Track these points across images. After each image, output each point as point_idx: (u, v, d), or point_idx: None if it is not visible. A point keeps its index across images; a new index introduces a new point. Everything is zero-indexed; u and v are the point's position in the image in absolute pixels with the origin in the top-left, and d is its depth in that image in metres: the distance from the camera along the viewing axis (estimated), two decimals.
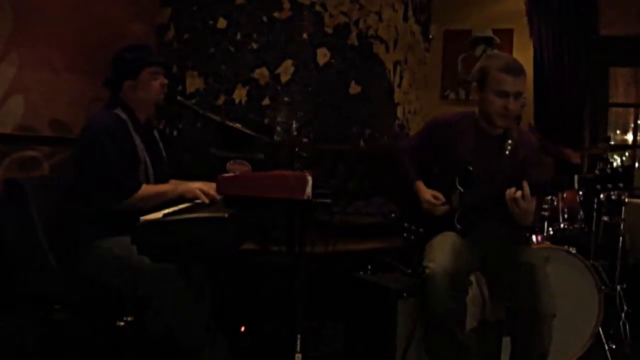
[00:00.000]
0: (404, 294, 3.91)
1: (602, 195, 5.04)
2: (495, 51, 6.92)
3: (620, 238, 4.94)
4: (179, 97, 4.07)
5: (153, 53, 3.87)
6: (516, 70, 3.68)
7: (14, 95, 4.62)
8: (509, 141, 3.79)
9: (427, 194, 3.92)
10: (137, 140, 3.63)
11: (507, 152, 3.78)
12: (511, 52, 7.01)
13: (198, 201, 3.45)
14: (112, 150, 3.45)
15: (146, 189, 3.54)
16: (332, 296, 4.43)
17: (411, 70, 6.55)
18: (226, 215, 2.93)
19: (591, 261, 4.65)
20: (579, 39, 6.69)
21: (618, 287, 4.82)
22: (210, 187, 3.47)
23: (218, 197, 3.38)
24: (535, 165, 3.83)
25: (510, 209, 3.53)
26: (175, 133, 5.76)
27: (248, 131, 3.76)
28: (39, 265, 3.52)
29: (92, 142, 3.49)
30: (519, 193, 3.47)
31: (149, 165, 3.68)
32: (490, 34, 7.13)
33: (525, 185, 3.47)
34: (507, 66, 3.68)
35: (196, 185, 3.52)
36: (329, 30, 5.71)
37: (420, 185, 3.97)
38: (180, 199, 3.48)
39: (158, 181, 3.73)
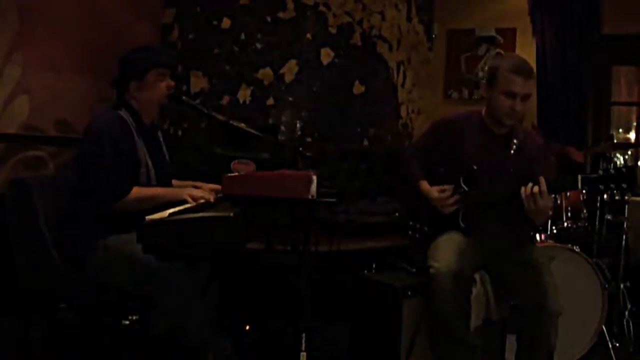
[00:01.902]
0: (409, 293, 3.92)
1: (605, 194, 5.05)
2: (498, 50, 6.95)
3: (624, 236, 4.94)
4: (183, 97, 4.08)
5: (161, 54, 3.86)
6: (526, 72, 3.68)
7: (19, 95, 4.63)
8: (515, 140, 3.80)
9: (433, 192, 3.91)
10: (139, 142, 3.63)
11: (512, 152, 3.78)
12: (514, 51, 7.00)
13: (202, 200, 3.46)
14: (109, 152, 3.45)
15: (139, 191, 3.53)
16: (337, 295, 4.44)
17: (414, 69, 6.57)
18: (231, 214, 2.94)
19: (595, 259, 4.65)
20: (582, 37, 6.69)
21: (622, 286, 4.82)
22: (201, 191, 3.50)
23: (211, 199, 3.40)
24: (541, 164, 3.83)
25: (526, 207, 3.49)
26: (180, 133, 5.78)
27: (252, 131, 3.77)
28: (43, 264, 3.52)
29: (91, 142, 3.50)
30: (536, 189, 3.46)
31: (151, 167, 3.67)
32: (493, 33, 7.14)
33: (542, 181, 3.46)
34: (517, 67, 3.68)
35: (185, 191, 3.54)
36: (333, 30, 5.73)
37: (425, 185, 3.97)
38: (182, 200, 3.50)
39: (160, 183, 3.73)
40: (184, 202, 3.46)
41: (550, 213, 3.78)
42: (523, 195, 3.48)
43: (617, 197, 5.08)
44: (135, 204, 3.44)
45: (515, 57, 4.06)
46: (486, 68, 3.88)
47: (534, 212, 3.51)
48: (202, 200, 3.44)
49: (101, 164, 3.44)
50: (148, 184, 3.62)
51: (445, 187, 3.88)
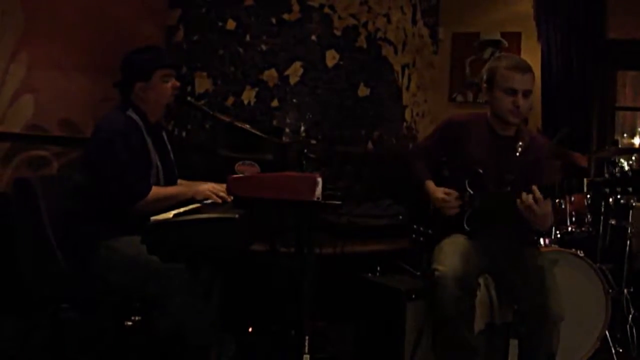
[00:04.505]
0: (413, 296, 3.92)
1: (610, 199, 5.04)
2: (504, 53, 6.93)
3: (628, 242, 4.93)
4: (188, 98, 4.07)
5: (165, 55, 3.86)
6: (524, 68, 3.71)
7: (24, 94, 4.65)
8: (520, 143, 3.80)
9: (438, 192, 3.90)
10: (149, 142, 3.64)
11: (517, 154, 3.78)
12: (519, 55, 7.00)
13: (208, 201, 3.45)
14: (125, 153, 3.45)
15: (157, 191, 3.53)
16: (341, 297, 4.43)
17: (419, 72, 6.56)
18: (236, 216, 2.94)
19: (598, 264, 4.63)
20: (587, 42, 6.69)
21: (625, 291, 4.81)
22: (221, 188, 3.48)
23: (229, 198, 3.38)
24: (546, 168, 3.83)
25: (526, 216, 3.50)
26: (184, 134, 5.78)
27: (257, 132, 3.77)
28: (47, 264, 3.52)
29: (105, 143, 3.48)
30: (530, 198, 3.45)
31: (160, 167, 3.68)
32: (498, 37, 7.14)
33: (535, 189, 3.46)
34: (514, 64, 3.72)
35: (207, 186, 3.53)
36: (338, 32, 5.73)
37: (431, 184, 3.96)
38: (190, 200, 3.50)
39: (167, 183, 3.73)
40: (198, 201, 3.47)
41: (552, 220, 3.76)
42: (520, 207, 3.48)
43: (622, 202, 5.06)
44: (154, 204, 3.43)
45: (511, 56, 4.08)
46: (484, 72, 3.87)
47: (533, 220, 3.52)
48: (219, 200, 3.44)
49: (117, 165, 3.44)
50: (157, 184, 3.61)
51: (452, 191, 3.88)
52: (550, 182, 3.52)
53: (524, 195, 3.47)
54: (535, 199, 3.43)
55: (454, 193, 3.87)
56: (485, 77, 3.85)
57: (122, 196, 3.45)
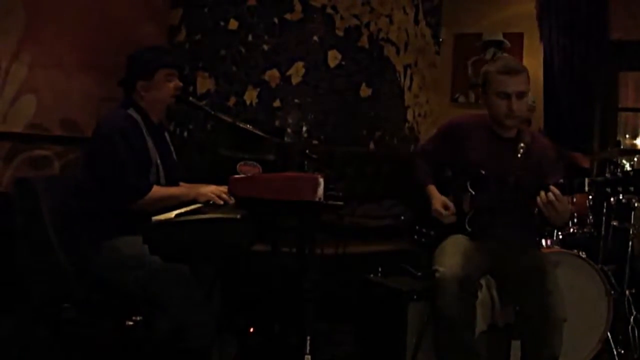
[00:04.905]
0: (414, 297, 3.91)
1: (612, 200, 5.03)
2: (505, 54, 6.92)
3: (630, 243, 4.92)
4: (190, 98, 4.06)
5: (168, 54, 3.86)
6: (514, 70, 3.70)
7: (25, 94, 4.64)
8: (521, 144, 3.79)
9: (437, 202, 3.89)
10: (149, 141, 3.62)
11: (519, 155, 3.78)
12: (521, 56, 7.01)
13: (222, 202, 3.45)
14: (125, 151, 3.44)
15: (158, 191, 3.52)
16: (342, 298, 4.42)
17: (421, 73, 6.56)
18: (238, 216, 2.93)
19: (600, 266, 4.63)
20: (589, 43, 6.68)
21: (627, 292, 4.79)
22: (223, 190, 3.47)
23: (231, 200, 3.37)
24: (553, 166, 3.82)
25: (546, 214, 3.48)
26: (185, 134, 5.77)
27: (259, 132, 3.76)
28: (48, 264, 3.52)
29: (105, 142, 3.48)
30: (550, 196, 3.43)
31: (160, 166, 3.67)
32: (500, 37, 7.13)
33: (554, 188, 3.44)
34: (504, 67, 3.71)
35: (209, 189, 3.52)
36: (340, 33, 5.73)
37: (433, 190, 3.96)
38: (192, 202, 3.49)
39: (169, 183, 3.71)
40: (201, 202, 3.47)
41: (569, 215, 3.76)
42: (540, 204, 3.45)
43: (623, 202, 5.05)
44: (154, 203, 3.42)
45: (503, 58, 4.10)
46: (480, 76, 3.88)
47: (554, 217, 3.49)
48: (222, 202, 3.43)
49: (117, 164, 3.43)
50: (157, 183, 3.60)
51: (450, 205, 3.87)
52: (556, 183, 3.50)
53: (542, 193, 3.45)
54: (555, 197, 3.41)
55: (452, 207, 3.86)
56: (480, 81, 3.86)
57: (122, 194, 3.44)
